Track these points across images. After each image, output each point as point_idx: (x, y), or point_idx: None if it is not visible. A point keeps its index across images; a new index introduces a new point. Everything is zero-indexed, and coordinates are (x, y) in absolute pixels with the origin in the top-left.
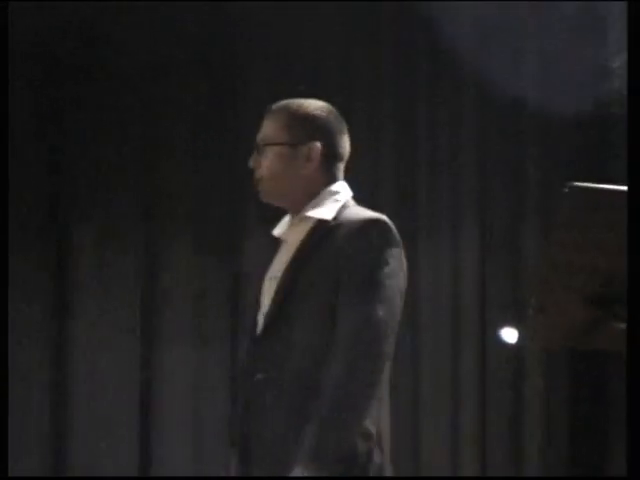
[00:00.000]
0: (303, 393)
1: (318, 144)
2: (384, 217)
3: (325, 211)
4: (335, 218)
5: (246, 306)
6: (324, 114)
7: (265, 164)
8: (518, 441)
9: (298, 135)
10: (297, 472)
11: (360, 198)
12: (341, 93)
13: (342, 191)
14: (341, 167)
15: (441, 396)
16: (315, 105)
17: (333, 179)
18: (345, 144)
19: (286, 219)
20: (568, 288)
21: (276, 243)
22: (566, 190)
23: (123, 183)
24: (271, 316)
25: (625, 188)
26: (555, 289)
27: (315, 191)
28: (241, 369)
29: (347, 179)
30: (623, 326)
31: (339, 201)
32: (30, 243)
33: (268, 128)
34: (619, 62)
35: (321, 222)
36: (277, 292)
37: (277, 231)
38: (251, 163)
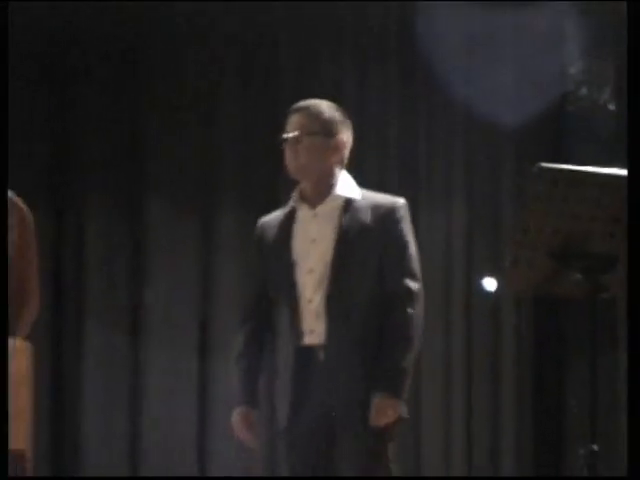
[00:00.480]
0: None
1: (343, 137)
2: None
3: (352, 192)
4: (362, 198)
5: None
6: (344, 114)
7: (302, 149)
8: (497, 373)
9: (330, 129)
10: (376, 395)
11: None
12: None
13: (350, 177)
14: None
15: (433, 334)
16: (336, 106)
17: (343, 167)
18: (351, 139)
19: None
20: (535, 247)
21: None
22: (534, 170)
23: None
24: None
25: (580, 168)
26: (525, 248)
27: (335, 175)
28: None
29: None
30: (579, 276)
31: (355, 185)
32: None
33: (305, 120)
34: (575, 69)
35: (348, 201)
36: (329, 281)
37: (302, 211)
38: (286, 146)
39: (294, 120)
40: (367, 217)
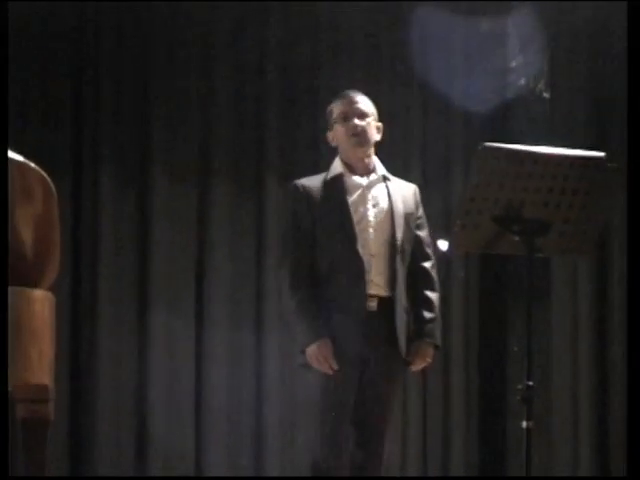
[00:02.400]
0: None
1: (380, 124)
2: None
3: (384, 171)
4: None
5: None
6: None
7: (369, 127)
8: (447, 318)
9: (376, 114)
10: (421, 341)
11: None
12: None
13: None
14: None
15: None
16: None
17: None
18: None
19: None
20: (480, 213)
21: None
22: (480, 148)
23: None
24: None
25: (517, 146)
26: (472, 213)
27: (373, 158)
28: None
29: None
30: (516, 238)
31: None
32: None
33: (362, 105)
34: (516, 63)
35: (384, 177)
36: (390, 241)
37: (352, 180)
38: (361, 123)
39: (353, 100)
40: (403, 192)
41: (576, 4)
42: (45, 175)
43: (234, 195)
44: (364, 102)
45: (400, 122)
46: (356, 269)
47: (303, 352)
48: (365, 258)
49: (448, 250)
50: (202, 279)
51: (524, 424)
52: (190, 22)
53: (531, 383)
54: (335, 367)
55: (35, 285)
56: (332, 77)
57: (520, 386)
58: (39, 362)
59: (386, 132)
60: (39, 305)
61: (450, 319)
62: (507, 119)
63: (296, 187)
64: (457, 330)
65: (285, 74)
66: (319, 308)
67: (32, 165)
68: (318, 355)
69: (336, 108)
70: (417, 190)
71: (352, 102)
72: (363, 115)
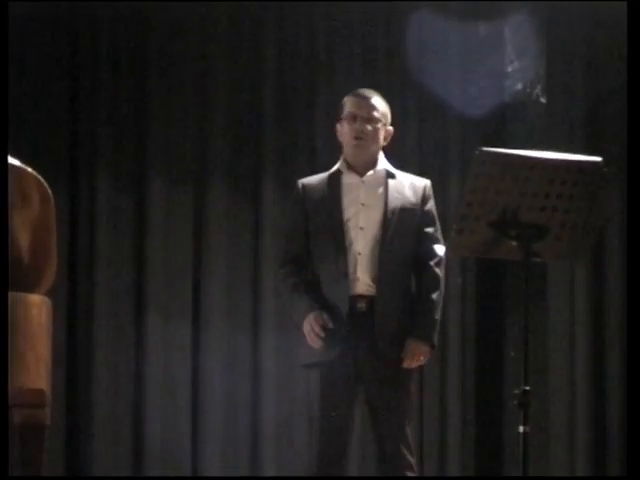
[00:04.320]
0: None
1: (391, 129)
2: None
3: (389, 166)
4: (398, 174)
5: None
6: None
7: (372, 127)
8: (445, 323)
9: (387, 118)
10: (412, 341)
11: None
12: None
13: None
14: None
15: None
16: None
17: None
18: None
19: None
20: (477, 218)
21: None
22: (477, 153)
23: None
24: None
25: (514, 151)
26: (468, 218)
27: (380, 153)
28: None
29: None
30: (513, 243)
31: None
32: None
33: (373, 109)
34: (513, 68)
35: (389, 174)
36: (379, 239)
37: (349, 178)
38: (367, 128)
39: (365, 103)
40: (406, 189)
41: (573, 8)
42: (42, 180)
43: (231, 199)
44: (375, 106)
45: (397, 126)
46: (340, 267)
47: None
48: (351, 257)
49: (445, 255)
50: (199, 282)
51: (521, 429)
52: (188, 30)
53: (528, 388)
54: (330, 325)
55: (32, 290)
56: (328, 86)
57: (517, 391)
58: (36, 367)
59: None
60: (36, 310)
61: (447, 324)
62: (504, 124)
63: (296, 186)
64: (454, 334)
65: (282, 80)
66: (311, 289)
67: (29, 170)
68: (313, 324)
69: (348, 105)
70: (428, 185)
71: (362, 104)
72: (370, 119)
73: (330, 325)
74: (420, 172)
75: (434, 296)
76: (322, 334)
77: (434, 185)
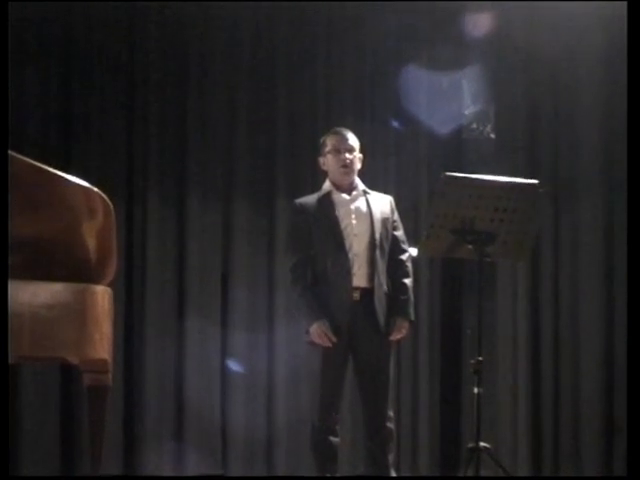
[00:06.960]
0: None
1: (361, 156)
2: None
3: (364, 186)
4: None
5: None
6: None
7: (355, 159)
8: (416, 312)
9: (358, 148)
10: (397, 319)
11: None
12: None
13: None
14: None
15: None
16: None
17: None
18: None
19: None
20: (442, 226)
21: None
22: (441, 176)
23: None
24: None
25: (469, 175)
26: (435, 226)
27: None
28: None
29: None
30: (470, 246)
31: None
32: None
33: (351, 142)
34: (469, 110)
35: (365, 192)
36: (370, 242)
37: (338, 196)
38: (349, 157)
39: (348, 139)
40: (380, 203)
41: (513, 75)
42: (105, 197)
43: (251, 214)
44: (352, 139)
45: (378, 154)
46: (345, 266)
47: (307, 332)
48: (350, 257)
49: (417, 256)
50: (227, 280)
51: (475, 390)
52: (214, 52)
53: (481, 358)
54: (334, 340)
55: (98, 282)
56: (327, 121)
57: (473, 360)
58: (100, 342)
59: (370, 162)
60: (100, 297)
61: (418, 310)
62: (462, 153)
63: (295, 204)
64: (424, 318)
65: (292, 120)
66: (316, 297)
67: (95, 189)
68: (319, 332)
69: (329, 141)
70: (392, 200)
71: (343, 139)
72: (351, 150)
73: (333, 339)
74: (397, 191)
75: (408, 282)
76: (327, 344)
77: (408, 201)
